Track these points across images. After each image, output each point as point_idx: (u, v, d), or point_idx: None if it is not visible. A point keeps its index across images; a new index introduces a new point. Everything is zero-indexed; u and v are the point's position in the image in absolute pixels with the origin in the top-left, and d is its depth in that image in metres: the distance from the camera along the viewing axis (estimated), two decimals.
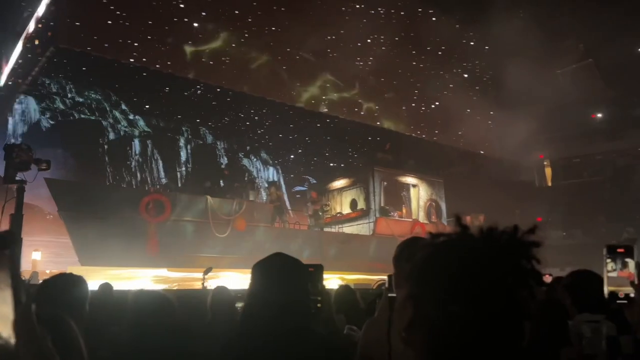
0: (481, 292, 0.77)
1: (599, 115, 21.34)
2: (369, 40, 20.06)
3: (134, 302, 2.30)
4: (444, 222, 17.55)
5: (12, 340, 0.51)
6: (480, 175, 19.81)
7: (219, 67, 19.00)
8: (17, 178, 6.17)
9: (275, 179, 26.35)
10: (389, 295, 1.74)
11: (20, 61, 17.26)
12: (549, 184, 22.91)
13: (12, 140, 17.61)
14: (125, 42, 17.07)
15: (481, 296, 0.77)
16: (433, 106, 22.88)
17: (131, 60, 17.50)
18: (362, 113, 22.08)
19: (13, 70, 17.36)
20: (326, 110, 21.46)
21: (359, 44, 20.05)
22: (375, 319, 1.79)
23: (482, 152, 23.21)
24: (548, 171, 23.23)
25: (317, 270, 1.82)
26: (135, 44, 17.26)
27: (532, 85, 18.31)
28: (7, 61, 17.55)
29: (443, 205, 17.90)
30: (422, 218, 17.01)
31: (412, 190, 17.35)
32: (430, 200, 17.59)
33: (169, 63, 18.03)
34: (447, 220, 17.89)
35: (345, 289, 3.84)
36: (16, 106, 18.29)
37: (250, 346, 1.51)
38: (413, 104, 22.95)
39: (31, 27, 16.65)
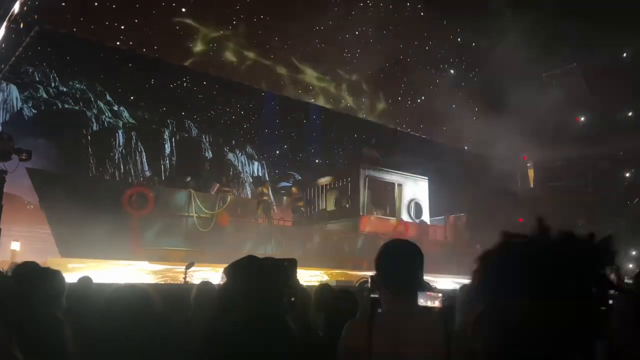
0: (557, 289, 0.78)
1: (582, 118, 21.63)
2: (356, 33, 20.16)
3: (111, 296, 2.28)
4: (427, 221, 17.67)
5: None
6: (464, 175, 19.94)
7: (208, 54, 18.82)
8: None
9: (260, 174, 26.28)
10: (371, 296, 1.75)
11: (3, 45, 16.88)
12: (532, 186, 23.20)
13: None
14: (112, 25, 16.82)
15: (556, 293, 0.77)
16: (419, 100, 23.12)
17: (117, 43, 17.24)
18: (348, 105, 22.19)
19: None
20: (312, 100, 21.48)
21: (347, 36, 20.14)
22: (357, 320, 1.79)
23: (465, 147, 23.48)
24: (531, 173, 23.53)
25: (291, 265, 1.81)
26: (122, 27, 17.02)
27: (517, 87, 18.51)
28: None
29: (426, 205, 18.02)
30: (405, 217, 17.10)
31: (396, 188, 17.43)
32: (415, 199, 17.69)
33: (155, 47, 17.78)
34: (431, 220, 18.03)
35: (324, 287, 3.83)
36: None
37: (226, 341, 1.50)
38: (399, 98, 23.14)
39: (16, 8, 16.28)
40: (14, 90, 18.35)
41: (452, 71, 22.72)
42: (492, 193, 18.58)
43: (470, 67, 22.32)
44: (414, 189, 17.85)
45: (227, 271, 1.62)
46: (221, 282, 1.63)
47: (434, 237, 17.09)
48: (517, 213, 19.05)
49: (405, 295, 1.67)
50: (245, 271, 1.60)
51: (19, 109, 18.32)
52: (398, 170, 17.74)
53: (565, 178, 21.47)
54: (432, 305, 1.65)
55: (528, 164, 23.50)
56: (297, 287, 1.79)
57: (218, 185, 14.05)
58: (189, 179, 13.91)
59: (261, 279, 1.57)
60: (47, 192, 10.89)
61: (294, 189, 16.28)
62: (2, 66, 17.33)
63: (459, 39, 21.56)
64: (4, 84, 18.17)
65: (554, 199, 20.50)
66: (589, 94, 19.86)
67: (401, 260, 1.71)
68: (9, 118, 17.88)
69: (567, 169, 21.59)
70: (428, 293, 1.69)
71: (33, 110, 18.66)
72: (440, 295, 1.66)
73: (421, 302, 1.66)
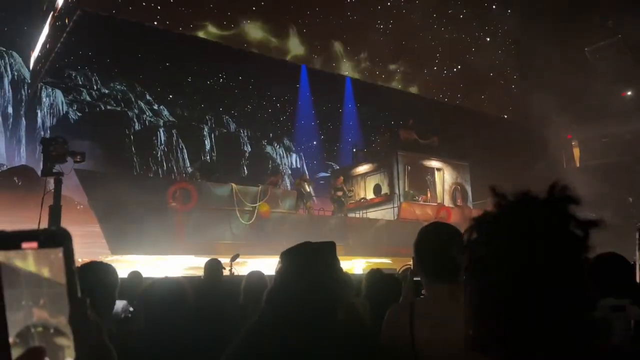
0: (528, 258, 0.76)
1: (629, 93, 20.72)
2: (388, 3, 19.96)
3: (146, 290, 2.36)
4: (469, 205, 17.37)
5: (70, 336, 0.54)
6: (506, 156, 19.43)
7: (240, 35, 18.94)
8: (54, 170, 6.38)
9: (299, 166, 26.43)
10: (414, 279, 1.75)
11: (49, 40, 17.58)
12: (577, 164, 22.44)
13: (42, 133, 18.07)
14: (149, 6, 17.28)
15: (530, 262, 0.75)
16: (455, 70, 22.77)
17: (155, 23, 17.65)
18: (383, 76, 22.02)
19: (42, 50, 17.71)
20: (347, 73, 21.39)
21: (379, 7, 19.98)
22: (399, 304, 1.80)
23: (505, 116, 23.02)
24: (576, 151, 22.74)
25: (332, 248, 1.78)
26: (159, 7, 17.45)
27: (558, 62, 17.89)
28: (35, 44, 17.90)
29: (469, 189, 17.70)
30: (447, 202, 16.86)
31: (436, 174, 17.19)
32: (455, 183, 17.41)
33: (191, 26, 18.10)
34: (473, 204, 17.71)
35: (376, 272, 3.77)
36: (44, 99, 18.71)
37: (271, 331, 1.53)
38: (435, 68, 22.83)
39: (60, 2, 16.90)
40: (59, 95, 19.08)
41: (488, 39, 22.26)
42: (537, 173, 18.09)
43: (507, 33, 21.79)
44: (455, 173, 17.56)
45: (283, 256, 1.67)
46: (278, 266, 1.67)
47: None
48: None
49: (444, 279, 1.66)
50: (300, 255, 1.64)
51: (64, 112, 19.04)
52: (438, 154, 17.48)
53: (612, 155, 20.64)
54: None
55: (573, 143, 22.72)
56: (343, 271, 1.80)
57: (272, 179, 14.34)
58: (217, 174, 14.10)
59: (315, 262, 1.60)
60: (95, 191, 11.29)
61: (339, 179, 16.29)
62: (42, 64, 18.01)
63: (493, 6, 21.11)
64: (50, 89, 18.91)
65: (601, 177, 19.78)
66: (635, 67, 18.97)
67: (438, 244, 1.70)
68: (56, 122, 18.62)
69: (614, 145, 20.75)
70: None
71: (78, 114, 19.37)
72: None
73: None
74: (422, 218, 14.56)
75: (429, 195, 16.96)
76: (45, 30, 17.49)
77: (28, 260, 0.55)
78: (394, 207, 15.91)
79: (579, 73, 18.60)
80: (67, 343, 0.54)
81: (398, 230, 14.67)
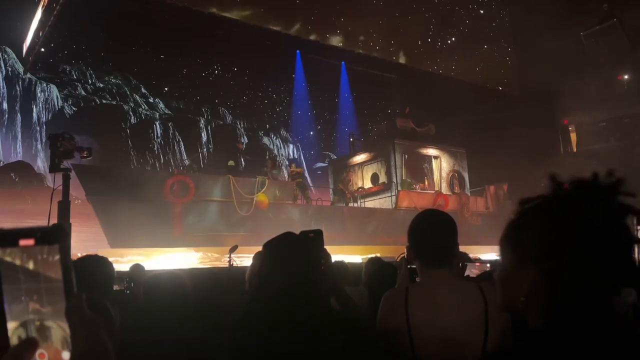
0: (584, 241, 0.78)
1: (626, 77, 20.71)
2: None
3: (148, 281, 2.38)
4: (467, 192, 17.42)
5: (66, 330, 0.56)
6: (502, 143, 19.46)
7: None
8: (62, 166, 6.43)
9: (296, 157, 26.42)
10: (409, 266, 1.77)
11: (40, 28, 17.45)
12: (575, 149, 22.48)
13: (38, 129, 18.02)
14: None
15: (589, 244, 0.78)
16: (449, 42, 22.81)
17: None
18: (377, 47, 21.96)
19: (34, 38, 17.58)
20: (341, 44, 21.29)
21: None
22: (394, 291, 1.82)
23: (500, 88, 23.12)
24: (573, 137, 22.77)
25: (317, 236, 1.77)
26: None
27: (554, 47, 17.86)
28: (27, 35, 17.76)
29: (466, 176, 17.75)
30: (444, 189, 16.91)
31: (433, 161, 17.23)
32: (453, 171, 17.45)
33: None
34: (471, 191, 17.76)
35: (376, 260, 3.79)
36: (39, 94, 18.61)
37: (257, 324, 1.54)
38: (429, 39, 22.84)
39: None
40: (54, 90, 18.99)
41: (481, 11, 22.41)
42: (534, 159, 18.11)
43: (500, 6, 21.93)
44: (452, 161, 17.59)
45: (264, 247, 1.68)
46: (261, 258, 1.68)
47: (474, 209, 16.86)
48: (562, 179, 18.47)
49: (438, 264, 1.68)
50: (278, 246, 1.65)
51: (60, 107, 18.97)
52: (435, 142, 17.50)
53: (610, 139, 20.69)
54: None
55: (570, 128, 22.73)
56: (325, 256, 1.81)
57: (268, 165, 14.27)
58: (232, 163, 14.02)
59: (293, 251, 1.61)
60: (93, 186, 11.30)
61: (331, 169, 16.31)
62: (39, 49, 17.83)
63: None
64: (45, 84, 18.81)
65: (600, 161, 19.81)
66: (631, 50, 18.93)
67: (431, 230, 1.72)
68: (51, 117, 18.55)
69: (611, 130, 20.78)
70: (477, 264, 1.69)
71: (73, 108, 19.29)
72: (487, 266, 1.66)
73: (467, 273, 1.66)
74: (420, 206, 14.60)
75: (426, 183, 17.01)
76: (37, 16, 17.36)
77: (25, 256, 0.56)
78: (391, 196, 15.95)
79: (574, 57, 18.58)
80: (64, 337, 0.55)
81: (396, 218, 14.72)
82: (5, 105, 17.63)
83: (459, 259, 1.69)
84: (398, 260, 6.19)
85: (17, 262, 0.56)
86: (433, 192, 16.57)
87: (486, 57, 22.28)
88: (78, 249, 12.02)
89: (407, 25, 21.44)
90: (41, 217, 7.41)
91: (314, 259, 1.64)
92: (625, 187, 0.82)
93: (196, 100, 23.42)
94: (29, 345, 0.54)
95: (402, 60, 22.37)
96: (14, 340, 0.55)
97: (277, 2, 19.21)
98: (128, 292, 3.68)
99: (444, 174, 17.15)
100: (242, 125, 25.30)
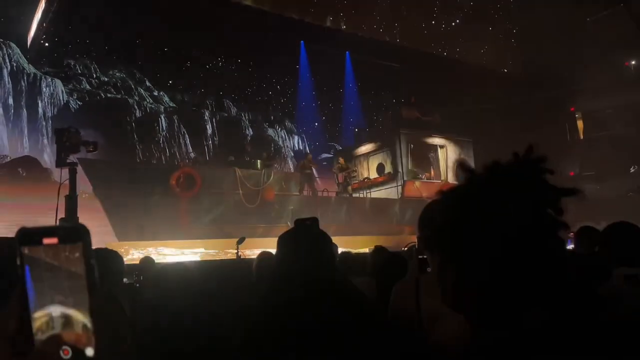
0: (501, 235, 0.71)
1: (633, 62, 20.50)
2: None
3: (157, 274, 2.40)
4: None
5: (90, 327, 0.57)
6: (509, 131, 19.35)
7: None
8: (68, 161, 6.45)
9: (301, 148, 26.40)
10: (419, 257, 1.76)
11: (43, 25, 17.51)
12: (582, 137, 22.34)
13: (44, 123, 18.09)
14: None
15: (504, 240, 0.71)
16: (453, 24, 22.71)
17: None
18: (380, 30, 21.89)
19: (37, 34, 17.63)
20: (344, 27, 21.23)
21: None
22: (405, 280, 1.82)
23: (505, 70, 23.02)
24: (580, 124, 22.61)
25: (314, 223, 1.79)
26: None
27: (560, 33, 17.70)
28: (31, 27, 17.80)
29: (472, 165, 17.68)
30: (451, 179, 16.86)
31: (439, 151, 17.17)
32: (459, 160, 17.39)
33: None
34: None
35: (380, 250, 3.78)
36: (44, 89, 18.66)
37: (276, 311, 1.55)
38: (433, 22, 22.74)
39: None
40: (59, 85, 19.02)
41: None
42: (540, 147, 17.97)
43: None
44: (458, 150, 17.53)
45: (279, 240, 1.69)
46: (276, 251, 1.70)
47: None
48: (568, 166, 18.41)
49: None
50: (292, 240, 1.65)
51: (65, 102, 19.01)
52: (440, 131, 17.41)
53: (617, 126, 20.51)
54: None
55: (577, 115, 22.58)
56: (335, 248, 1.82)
57: (260, 161, 14.26)
58: (231, 158, 14.14)
59: (309, 244, 1.62)
60: (100, 180, 11.35)
61: (340, 159, 16.29)
62: (43, 42, 17.86)
63: None
64: (50, 79, 18.85)
65: (606, 149, 19.67)
66: (638, 36, 18.72)
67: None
68: (57, 112, 18.61)
69: (618, 116, 20.60)
70: None
71: (78, 102, 19.33)
72: None
73: None
74: (426, 196, 14.57)
75: (432, 172, 16.96)
76: (40, 10, 17.38)
77: (49, 254, 0.57)
78: (397, 186, 15.93)
79: (581, 43, 18.40)
80: (87, 331, 0.57)
81: (402, 208, 14.71)
82: (11, 101, 17.69)
83: None
84: (405, 249, 6.20)
85: (42, 259, 0.57)
86: (439, 181, 16.53)
87: (491, 39, 22.18)
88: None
89: (411, 8, 21.35)
90: (49, 211, 7.46)
91: (329, 249, 1.66)
92: (542, 167, 0.75)
93: (200, 92, 23.41)
94: (53, 342, 0.56)
95: (406, 43, 22.25)
96: (38, 336, 0.56)
97: None
98: (138, 285, 3.72)
99: (450, 163, 17.09)
100: (246, 117, 25.28)
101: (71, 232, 0.58)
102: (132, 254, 9.92)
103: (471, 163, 17.57)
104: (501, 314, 0.73)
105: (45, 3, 17.19)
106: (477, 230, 0.74)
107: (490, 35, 22.20)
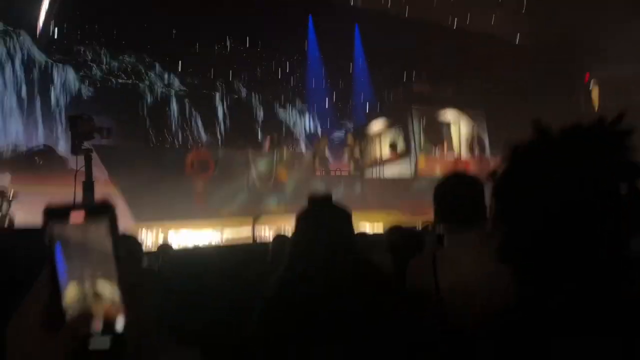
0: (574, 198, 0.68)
1: None
2: None
3: (174, 259, 2.44)
4: (487, 156, 17.23)
5: (119, 300, 0.60)
6: (523, 99, 18.99)
7: None
8: (83, 147, 6.53)
9: (312, 128, 26.30)
10: (435, 232, 1.78)
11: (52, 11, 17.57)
12: (597, 108, 21.94)
13: (58, 112, 18.22)
14: None
15: (578, 202, 0.68)
16: None
17: None
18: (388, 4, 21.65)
19: (46, 20, 17.73)
20: None
21: None
22: (421, 256, 1.83)
23: (517, 39, 22.66)
24: (595, 93, 22.19)
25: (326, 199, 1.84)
26: None
27: None
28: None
29: (486, 139, 17.52)
30: (465, 154, 16.76)
31: (452, 125, 17.02)
32: (473, 135, 17.23)
33: None
34: (491, 154, 17.55)
35: (395, 228, 3.78)
36: (56, 78, 18.76)
37: (297, 280, 1.58)
38: None
39: None
40: (70, 72, 19.10)
41: None
42: (554, 118, 17.70)
43: None
44: (472, 124, 17.35)
45: (296, 219, 1.71)
46: (294, 230, 1.73)
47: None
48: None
49: (466, 226, 1.67)
50: (309, 218, 1.68)
51: (77, 89, 19.11)
52: (453, 104, 17.23)
53: (635, 95, 20.05)
54: None
55: (592, 82, 22.12)
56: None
57: (269, 141, 14.29)
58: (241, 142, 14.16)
59: (326, 222, 1.64)
60: (116, 166, 11.49)
61: (349, 138, 16.24)
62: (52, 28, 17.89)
63: None
64: (61, 67, 18.92)
65: (624, 118, 19.21)
66: None
67: (459, 192, 1.71)
68: (70, 100, 18.73)
69: (637, 83, 20.11)
70: None
71: (90, 89, 19.41)
72: None
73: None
74: (440, 172, 14.49)
75: (446, 149, 16.85)
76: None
77: (77, 230, 0.59)
78: (410, 164, 15.87)
79: (594, 7, 17.90)
80: (117, 307, 0.59)
81: (416, 186, 14.68)
82: (24, 91, 17.83)
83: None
84: (422, 228, 6.19)
85: (70, 234, 0.59)
86: (453, 158, 16.43)
87: (502, 5, 21.75)
88: None
89: None
90: (66, 199, 7.58)
91: (347, 227, 1.68)
92: (625, 141, 0.71)
93: (210, 75, 23.34)
94: (84, 316, 0.58)
95: (415, 14, 21.90)
96: (69, 311, 0.58)
97: None
98: (157, 270, 3.79)
99: (463, 139, 16.95)
100: (257, 99, 25.20)
101: (97, 207, 0.60)
102: (150, 236, 10.07)
103: (485, 138, 17.50)
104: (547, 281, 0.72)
105: None
106: (544, 190, 0.72)
107: (502, 2, 21.74)
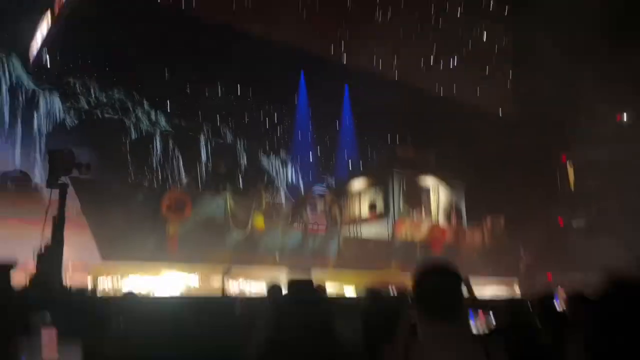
0: None
1: (624, 115, 20.88)
2: None
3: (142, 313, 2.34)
4: (464, 225, 17.38)
5: None
6: (501, 172, 19.39)
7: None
8: (59, 181, 6.41)
9: (294, 179, 26.38)
10: (410, 321, 1.71)
11: (46, 42, 17.71)
12: (572, 188, 22.50)
13: (38, 139, 18.00)
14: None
15: None
16: (451, 67, 23.15)
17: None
18: (379, 66, 22.25)
19: (39, 50, 17.83)
20: (345, 58, 21.60)
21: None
22: (395, 345, 1.76)
23: (500, 112, 23.42)
24: (571, 173, 22.82)
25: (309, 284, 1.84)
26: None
27: (556, 77, 18.08)
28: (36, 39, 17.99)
29: (464, 209, 17.73)
30: (441, 221, 16.88)
31: (432, 192, 17.23)
32: (451, 203, 17.43)
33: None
34: (468, 225, 17.70)
35: (370, 294, 3.71)
36: (41, 105, 18.66)
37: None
38: (430, 61, 23.14)
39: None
40: (57, 102, 19.05)
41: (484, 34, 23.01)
42: (531, 192, 18.09)
43: (504, 36, 22.56)
44: (451, 193, 17.59)
45: (274, 300, 1.69)
46: (269, 302, 1.69)
47: (471, 242, 16.77)
48: (557, 212, 18.45)
49: (441, 320, 1.63)
50: (290, 309, 1.67)
51: (61, 119, 19.00)
52: (434, 171, 17.51)
53: (609, 178, 20.63)
54: (482, 330, 1.62)
55: (568, 163, 22.80)
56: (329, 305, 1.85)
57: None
58: (224, 186, 14.10)
59: (306, 316, 1.62)
60: (89, 199, 11.23)
61: (328, 194, 16.28)
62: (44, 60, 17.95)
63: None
64: (48, 96, 18.86)
65: (596, 202, 19.81)
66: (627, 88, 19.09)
67: (435, 285, 1.67)
68: (52, 129, 18.56)
69: (609, 169, 20.75)
70: (480, 315, 1.65)
71: (75, 121, 19.32)
72: (490, 318, 1.62)
73: (472, 327, 1.62)
74: (417, 237, 14.54)
75: (423, 214, 16.97)
76: (44, 26, 17.58)
77: None
78: (388, 226, 15.89)
79: (576, 91, 18.71)
80: None
81: (392, 248, 14.64)
82: (6, 115, 17.66)
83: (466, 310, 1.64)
84: (394, 290, 6.09)
85: None
86: (430, 223, 16.53)
87: (488, 80, 22.78)
88: (71, 260, 11.87)
89: (410, 46, 21.88)
90: (34, 229, 7.34)
91: (327, 318, 1.67)
92: None
93: (198, 118, 23.50)
94: None
95: (402, 79, 22.66)
96: None
97: (285, 16, 19.68)
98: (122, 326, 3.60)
99: (441, 206, 17.13)
100: (242, 145, 25.32)
101: None
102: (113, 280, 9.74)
103: (463, 207, 17.69)
104: None
105: (51, 18, 17.41)
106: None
107: (487, 76, 22.74)
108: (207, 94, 23.57)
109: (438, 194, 17.20)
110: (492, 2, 23.35)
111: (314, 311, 1.64)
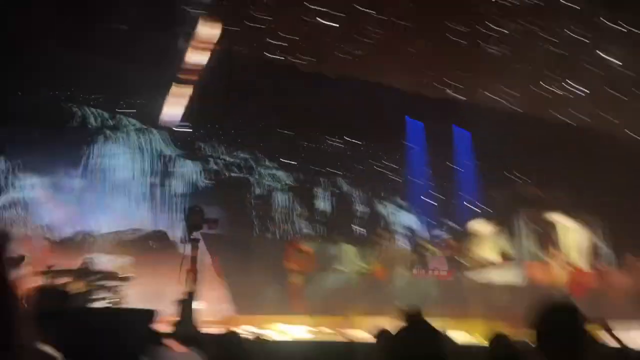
0: None
1: None
2: None
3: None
4: (606, 267, 15.67)
5: None
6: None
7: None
8: (192, 237, 7.30)
9: (410, 224, 25.94)
10: None
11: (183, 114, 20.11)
12: None
13: (174, 199, 19.94)
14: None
15: None
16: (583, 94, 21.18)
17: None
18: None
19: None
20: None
21: None
22: None
23: None
24: None
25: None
26: None
27: None
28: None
29: (603, 248, 16.04)
30: (579, 264, 15.37)
31: (565, 232, 15.89)
32: (587, 242, 15.89)
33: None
34: (609, 263, 15.95)
35: (501, 341, 3.49)
36: (177, 170, 20.74)
37: None
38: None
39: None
40: (189, 165, 21.14)
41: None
42: None
43: None
44: (586, 231, 16.09)
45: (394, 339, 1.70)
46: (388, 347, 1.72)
47: (617, 285, 15.00)
48: None
49: None
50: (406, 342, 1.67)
51: (194, 181, 20.95)
52: (565, 209, 16.19)
53: None
54: None
55: None
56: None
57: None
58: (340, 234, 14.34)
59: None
60: (221, 254, 12.04)
61: (449, 239, 15.77)
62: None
63: None
64: (182, 160, 20.96)
65: None
66: None
67: (557, 324, 1.57)
68: (186, 190, 20.48)
69: None
70: None
71: (205, 181, 21.15)
72: None
73: None
74: (551, 282, 13.40)
75: (557, 256, 15.63)
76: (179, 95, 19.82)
77: None
78: (516, 270, 14.86)
79: None
80: None
81: (521, 295, 13.58)
82: (148, 181, 19.87)
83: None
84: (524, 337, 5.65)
85: None
86: (568, 267, 15.12)
87: (624, 103, 20.56)
88: (207, 314, 12.66)
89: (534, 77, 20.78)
90: (171, 282, 8.06)
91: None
92: None
93: (314, 171, 24.46)
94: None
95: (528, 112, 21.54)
96: None
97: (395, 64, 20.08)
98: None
99: (576, 246, 15.67)
100: (357, 194, 25.68)
101: None
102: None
103: (600, 247, 16.03)
104: None
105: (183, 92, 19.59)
106: None
107: (626, 101, 20.62)
108: (322, 147, 24.56)
109: (572, 233, 15.79)
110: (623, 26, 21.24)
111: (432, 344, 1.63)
